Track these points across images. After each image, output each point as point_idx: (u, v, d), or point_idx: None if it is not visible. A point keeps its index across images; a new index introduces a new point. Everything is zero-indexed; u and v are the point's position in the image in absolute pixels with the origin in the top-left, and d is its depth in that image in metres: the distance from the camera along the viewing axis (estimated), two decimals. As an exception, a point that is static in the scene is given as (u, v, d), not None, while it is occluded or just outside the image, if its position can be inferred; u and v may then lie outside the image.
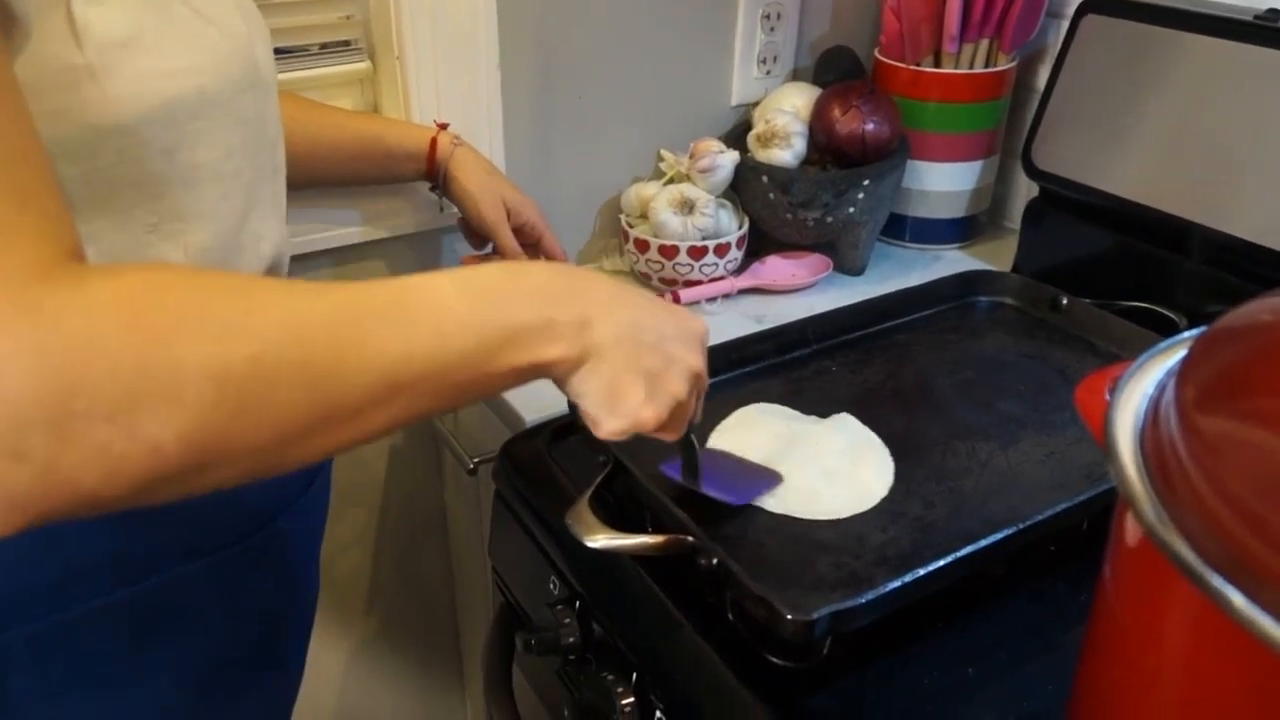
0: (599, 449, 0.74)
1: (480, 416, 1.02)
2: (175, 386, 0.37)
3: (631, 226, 1.09)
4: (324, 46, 0.97)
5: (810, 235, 1.10)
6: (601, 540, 0.64)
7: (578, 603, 0.73)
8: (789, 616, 0.57)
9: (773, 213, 1.08)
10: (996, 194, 1.23)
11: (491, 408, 0.96)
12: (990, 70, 1.11)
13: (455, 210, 0.96)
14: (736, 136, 1.13)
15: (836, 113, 1.06)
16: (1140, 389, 0.43)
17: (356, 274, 1.03)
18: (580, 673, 0.74)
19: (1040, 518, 0.66)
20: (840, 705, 0.61)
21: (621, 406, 0.53)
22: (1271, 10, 0.89)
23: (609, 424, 0.54)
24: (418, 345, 0.44)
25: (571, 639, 0.73)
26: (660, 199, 1.05)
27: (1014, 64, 1.14)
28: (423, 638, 1.30)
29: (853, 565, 0.67)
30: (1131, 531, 0.41)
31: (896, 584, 0.60)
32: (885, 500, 0.74)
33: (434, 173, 0.93)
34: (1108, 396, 0.43)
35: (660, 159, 1.12)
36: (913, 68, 1.12)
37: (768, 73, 1.19)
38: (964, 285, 1.03)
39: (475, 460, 0.96)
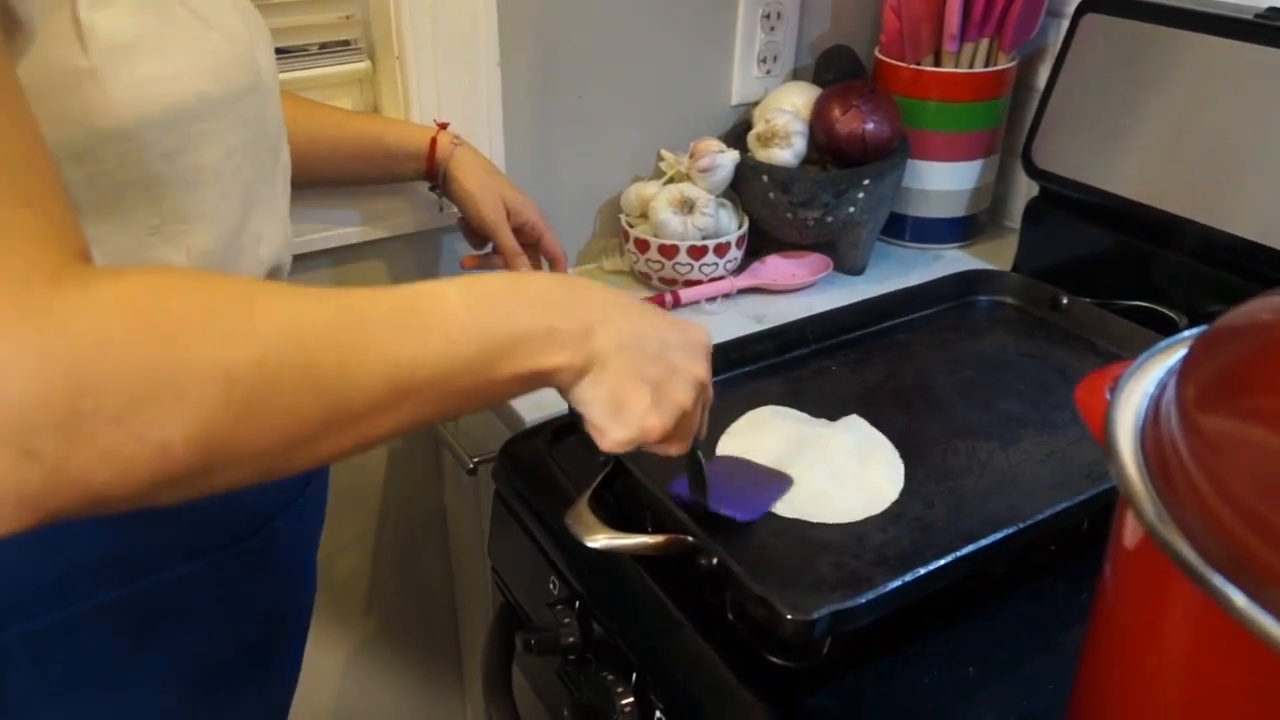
0: (599, 450, 0.74)
1: (480, 417, 1.02)
2: (181, 388, 0.37)
3: (631, 226, 1.09)
4: (323, 46, 0.97)
5: (810, 235, 1.10)
6: (601, 540, 0.64)
7: (577, 603, 0.73)
8: (789, 616, 0.57)
9: (773, 212, 1.08)
10: (997, 193, 1.23)
11: (491, 408, 0.96)
12: (990, 69, 1.11)
13: (455, 210, 0.96)
14: (736, 136, 1.13)
15: (837, 112, 1.06)
16: (1141, 388, 0.43)
17: (356, 274, 1.03)
18: (580, 673, 0.74)
19: (1040, 517, 0.66)
20: (840, 705, 0.61)
21: (626, 415, 0.53)
22: (1272, 9, 0.89)
23: (614, 433, 0.54)
24: (422, 350, 0.44)
25: (571, 639, 0.73)
26: (660, 198, 1.05)
27: (1014, 63, 1.14)
28: (422, 638, 1.30)
29: (852, 565, 0.67)
30: (1132, 531, 0.40)
31: (896, 584, 0.60)
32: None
33: (434, 172, 0.93)
34: (1108, 395, 0.43)
35: (660, 158, 1.12)
36: (913, 67, 1.12)
37: (768, 72, 1.19)
38: (964, 285, 1.03)
39: (475, 460, 0.96)
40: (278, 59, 0.64)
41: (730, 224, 1.09)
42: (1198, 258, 0.94)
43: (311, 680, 0.77)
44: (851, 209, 1.07)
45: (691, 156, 1.07)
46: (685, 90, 1.15)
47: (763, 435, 0.80)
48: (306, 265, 0.99)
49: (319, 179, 0.92)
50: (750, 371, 0.90)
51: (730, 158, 1.06)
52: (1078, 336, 0.96)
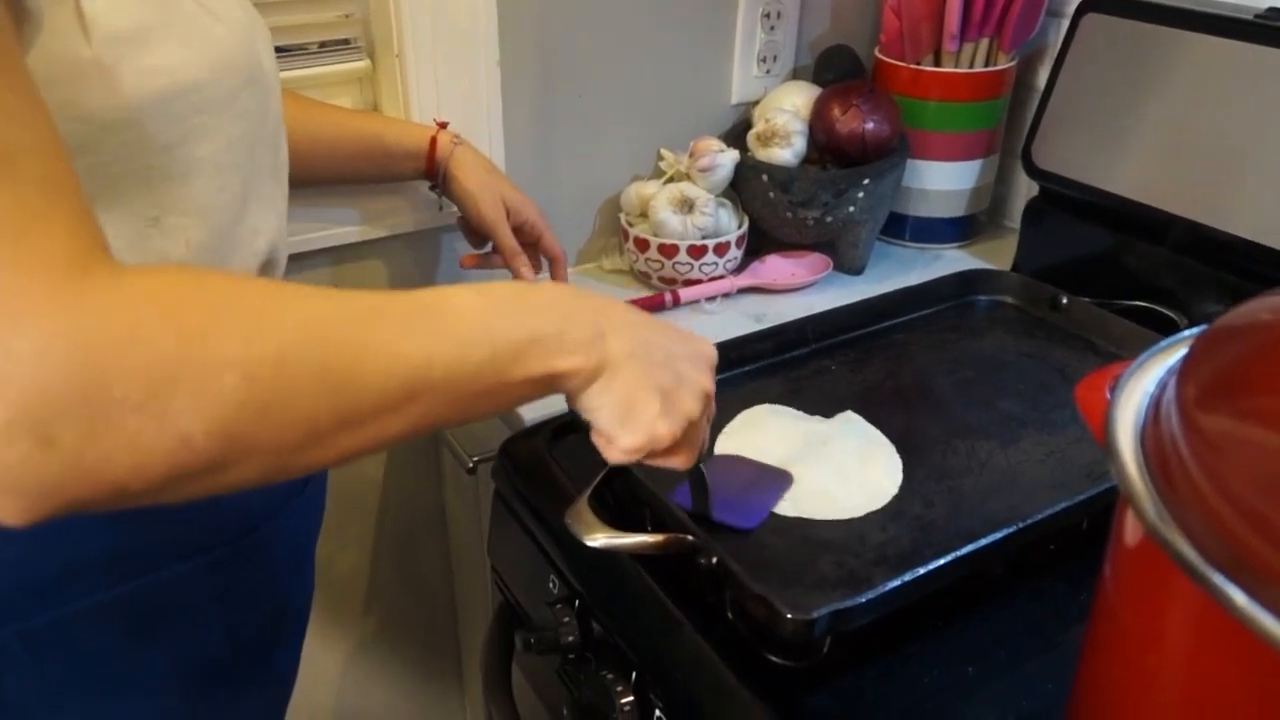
0: (606, 462, 0.74)
1: (479, 415, 1.02)
2: (203, 381, 0.38)
3: (631, 225, 1.09)
4: (323, 45, 0.97)
5: (810, 234, 1.10)
6: (601, 539, 0.64)
7: (577, 602, 0.73)
8: (789, 616, 0.57)
9: (772, 212, 1.08)
10: (996, 193, 1.23)
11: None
12: (990, 69, 1.11)
13: (454, 209, 0.96)
14: (736, 135, 1.13)
15: (836, 112, 1.06)
16: (1141, 387, 0.43)
17: (355, 273, 1.03)
18: (580, 672, 0.74)
19: (1040, 517, 0.66)
20: (840, 704, 0.61)
21: (636, 421, 0.53)
22: (1272, 9, 0.89)
23: (624, 440, 0.54)
24: (435, 351, 0.45)
25: (571, 638, 0.73)
26: (660, 198, 1.05)
27: (1014, 63, 1.14)
28: (422, 637, 1.30)
29: (852, 564, 0.67)
30: (1132, 530, 0.40)
31: (896, 583, 0.60)
32: (888, 501, 0.74)
33: (433, 171, 0.93)
34: (1108, 395, 0.43)
35: (660, 158, 1.11)
36: (913, 67, 1.12)
37: (768, 71, 1.18)
38: (964, 284, 1.03)
39: (474, 459, 0.96)
40: (277, 57, 0.64)
41: (730, 223, 1.08)
42: (1198, 258, 0.94)
43: (310, 679, 0.77)
44: (851, 209, 1.07)
45: (691, 156, 1.07)
46: (685, 89, 1.15)
47: (760, 434, 0.80)
48: (306, 264, 0.99)
49: (318, 178, 0.92)
50: (750, 371, 0.90)
51: (730, 157, 1.06)
52: (1077, 336, 0.96)
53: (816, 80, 1.17)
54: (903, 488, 0.75)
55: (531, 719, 0.86)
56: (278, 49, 0.67)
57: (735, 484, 0.74)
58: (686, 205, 1.05)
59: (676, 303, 1.06)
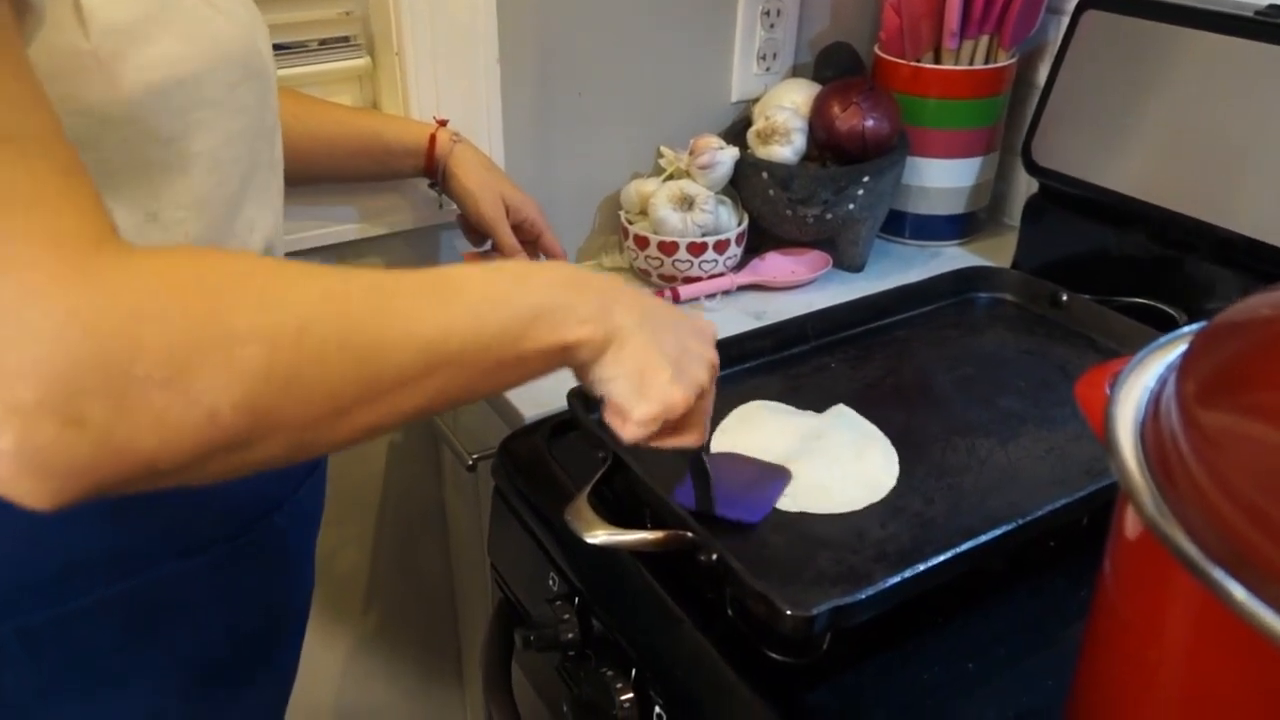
0: (598, 445, 0.74)
1: (479, 413, 1.02)
2: (229, 354, 0.38)
3: (631, 223, 1.09)
4: (323, 42, 0.97)
5: (810, 232, 1.10)
6: (601, 536, 0.64)
7: (577, 599, 0.73)
8: (788, 612, 0.57)
9: (772, 209, 1.08)
10: (996, 190, 1.23)
11: (491, 403, 0.96)
12: (990, 66, 1.11)
13: (454, 207, 0.96)
14: (736, 133, 1.13)
15: (836, 109, 1.06)
16: (1141, 383, 0.43)
17: (355, 270, 1.03)
18: (579, 669, 0.74)
19: (1040, 513, 0.66)
20: (840, 701, 0.61)
21: (650, 388, 0.54)
22: (1272, 6, 0.89)
23: (639, 409, 0.54)
24: (451, 322, 0.46)
25: (571, 635, 0.73)
26: (660, 195, 1.05)
27: (1014, 60, 1.13)
28: (421, 635, 1.30)
29: (852, 561, 0.67)
30: (1132, 525, 0.40)
31: (896, 580, 0.60)
32: (887, 496, 0.74)
33: (433, 169, 0.93)
34: (1108, 391, 0.43)
35: (660, 155, 1.11)
36: (913, 64, 1.12)
37: (767, 69, 1.18)
38: (963, 281, 1.03)
39: (474, 457, 0.96)
40: (277, 55, 0.64)
41: (730, 221, 1.08)
42: (1197, 254, 0.93)
43: (310, 676, 0.77)
44: (851, 206, 1.07)
45: (691, 153, 1.07)
46: (685, 87, 1.15)
47: (755, 430, 0.80)
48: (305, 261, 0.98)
49: (318, 175, 0.92)
50: (749, 368, 0.90)
51: (730, 154, 1.06)
52: (1077, 333, 0.96)
53: (816, 78, 1.16)
54: (902, 484, 0.75)
55: (531, 716, 0.86)
56: (277, 46, 0.67)
57: (737, 480, 0.74)
58: (686, 202, 1.05)
59: (676, 300, 1.06)
